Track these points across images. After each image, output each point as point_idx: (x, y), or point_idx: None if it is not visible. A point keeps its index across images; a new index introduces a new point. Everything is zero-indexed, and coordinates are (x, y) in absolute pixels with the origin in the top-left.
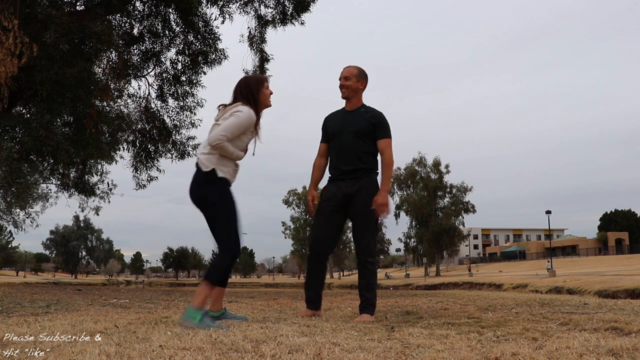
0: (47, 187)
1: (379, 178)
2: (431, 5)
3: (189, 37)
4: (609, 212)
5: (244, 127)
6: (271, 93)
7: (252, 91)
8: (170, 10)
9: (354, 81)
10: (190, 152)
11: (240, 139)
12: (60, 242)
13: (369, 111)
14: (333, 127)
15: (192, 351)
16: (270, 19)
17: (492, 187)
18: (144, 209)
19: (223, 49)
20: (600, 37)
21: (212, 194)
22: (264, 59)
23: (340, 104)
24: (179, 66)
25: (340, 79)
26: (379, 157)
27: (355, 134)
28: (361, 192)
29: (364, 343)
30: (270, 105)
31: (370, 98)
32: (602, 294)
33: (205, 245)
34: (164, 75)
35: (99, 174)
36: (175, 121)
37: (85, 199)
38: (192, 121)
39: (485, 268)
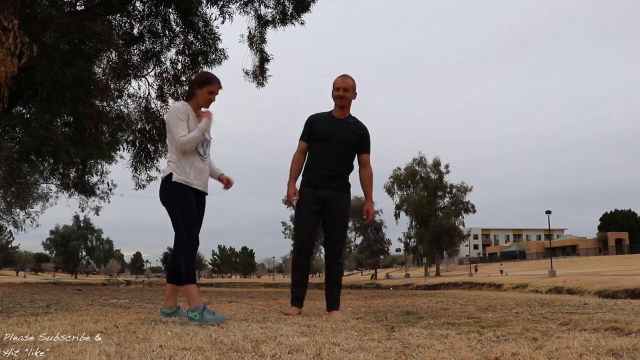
0: (47, 187)
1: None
2: (431, 5)
3: (189, 37)
4: (609, 212)
5: (176, 116)
6: (212, 100)
7: (192, 85)
8: (170, 10)
9: (351, 93)
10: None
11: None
12: (60, 242)
13: (357, 123)
14: (322, 130)
15: (192, 351)
16: (270, 19)
17: (492, 187)
18: (144, 209)
19: (223, 49)
20: (601, 37)
21: (165, 195)
22: (264, 59)
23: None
24: (179, 66)
25: (338, 89)
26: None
27: (342, 142)
28: (338, 199)
29: (364, 343)
30: (205, 108)
31: (370, 97)
32: (602, 294)
33: (205, 246)
34: (164, 75)
35: (99, 174)
36: None
37: (85, 199)
38: None
39: (486, 268)
